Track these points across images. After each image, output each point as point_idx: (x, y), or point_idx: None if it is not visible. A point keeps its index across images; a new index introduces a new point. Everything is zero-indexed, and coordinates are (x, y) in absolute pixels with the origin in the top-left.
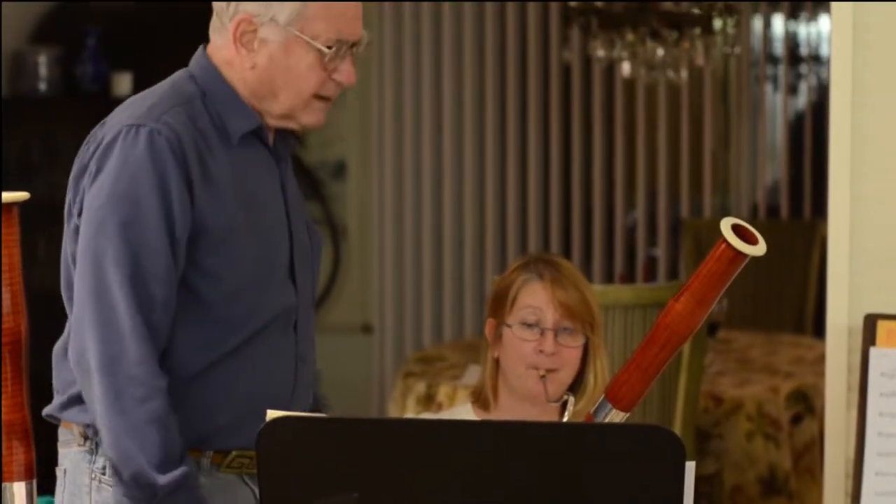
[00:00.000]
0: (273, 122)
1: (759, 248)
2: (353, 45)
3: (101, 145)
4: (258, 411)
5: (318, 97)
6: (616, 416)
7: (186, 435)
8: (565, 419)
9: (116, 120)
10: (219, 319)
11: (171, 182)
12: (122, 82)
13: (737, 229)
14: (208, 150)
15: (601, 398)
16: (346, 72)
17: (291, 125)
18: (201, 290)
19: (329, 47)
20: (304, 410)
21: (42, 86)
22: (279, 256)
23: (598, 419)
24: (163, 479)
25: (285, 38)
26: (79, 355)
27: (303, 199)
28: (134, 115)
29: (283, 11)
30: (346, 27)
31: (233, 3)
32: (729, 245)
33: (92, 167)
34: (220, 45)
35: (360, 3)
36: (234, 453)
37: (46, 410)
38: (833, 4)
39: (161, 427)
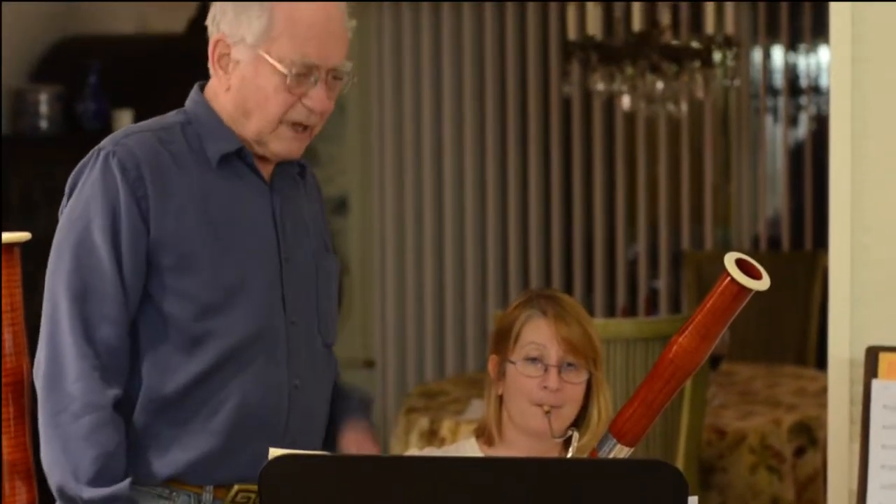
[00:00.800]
0: (254, 150)
1: (763, 283)
2: (329, 71)
3: (77, 168)
4: (247, 440)
5: (290, 125)
6: (620, 452)
7: (168, 460)
8: (569, 455)
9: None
10: (188, 339)
11: (119, 204)
12: (123, 119)
13: (740, 264)
14: (180, 171)
15: (605, 433)
16: (316, 97)
17: (266, 153)
18: (168, 309)
19: (292, 69)
20: (306, 440)
21: (43, 124)
22: (260, 280)
23: (603, 454)
24: (88, 492)
25: (254, 57)
26: (35, 370)
27: (314, 227)
28: (106, 139)
29: (251, 30)
30: (313, 51)
31: (213, 27)
32: (733, 280)
33: (67, 188)
34: (211, 74)
35: (338, 22)
36: (236, 487)
37: None
38: (832, 35)
39: (94, 443)
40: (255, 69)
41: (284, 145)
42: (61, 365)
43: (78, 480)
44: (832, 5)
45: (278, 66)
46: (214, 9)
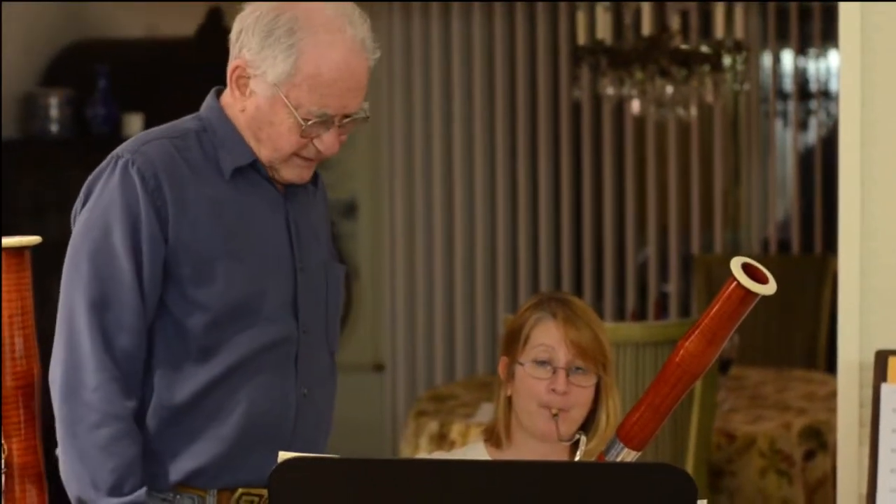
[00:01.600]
0: (265, 167)
1: (770, 287)
2: (346, 115)
3: (93, 174)
4: (254, 446)
5: (300, 157)
6: (628, 456)
7: (176, 466)
8: (577, 458)
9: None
10: (201, 348)
11: (140, 212)
12: (133, 124)
13: (747, 268)
14: (196, 180)
15: (613, 437)
16: (327, 142)
17: (276, 176)
18: (183, 319)
19: (308, 120)
20: (312, 448)
21: (53, 128)
22: (274, 289)
23: (610, 458)
24: (108, 502)
25: (272, 95)
26: (51, 378)
27: (324, 234)
28: (123, 146)
29: (274, 70)
30: (334, 102)
31: (237, 46)
32: (739, 284)
33: (82, 195)
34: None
35: (361, 75)
36: (240, 491)
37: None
38: (841, 40)
39: (111, 453)
40: (272, 106)
41: (295, 172)
42: (80, 375)
43: (98, 490)
44: (841, 9)
45: (295, 112)
46: (239, 25)
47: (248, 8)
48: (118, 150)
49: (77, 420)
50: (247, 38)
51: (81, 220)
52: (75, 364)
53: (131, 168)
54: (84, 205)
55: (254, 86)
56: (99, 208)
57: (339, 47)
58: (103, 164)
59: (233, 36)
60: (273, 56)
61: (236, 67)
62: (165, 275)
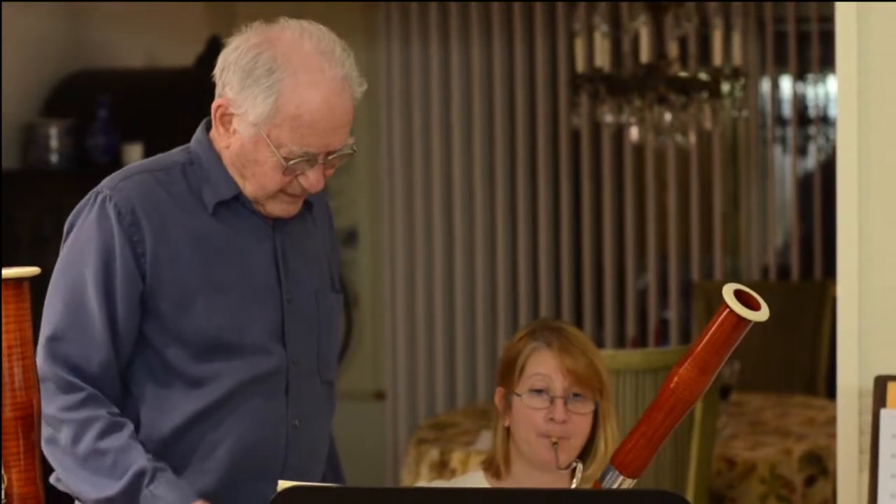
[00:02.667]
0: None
1: (762, 314)
2: (329, 153)
3: (75, 209)
4: (243, 480)
5: (285, 193)
6: (623, 483)
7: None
8: (574, 486)
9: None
10: (186, 381)
11: (114, 249)
12: (133, 153)
13: (739, 294)
14: (179, 214)
15: (608, 465)
16: (312, 178)
17: (263, 211)
18: (166, 352)
19: (290, 159)
20: (304, 479)
21: (53, 158)
22: (259, 321)
23: (606, 486)
24: (116, 487)
25: (255, 134)
26: None
27: (318, 262)
28: (105, 181)
29: (255, 110)
30: (315, 141)
31: (220, 83)
32: (731, 311)
33: (66, 229)
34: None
35: (344, 112)
36: None
37: (52, 478)
38: (838, 66)
39: (93, 461)
40: (255, 145)
41: (282, 207)
42: (48, 403)
43: (98, 490)
44: (838, 34)
45: (277, 152)
46: (222, 62)
47: (232, 44)
48: (100, 184)
49: (54, 442)
50: (228, 77)
51: (62, 255)
52: (45, 392)
53: (108, 204)
54: (66, 236)
55: (237, 124)
56: (77, 244)
57: (320, 87)
58: (85, 199)
59: (217, 72)
60: (253, 97)
61: (219, 106)
62: (144, 309)
